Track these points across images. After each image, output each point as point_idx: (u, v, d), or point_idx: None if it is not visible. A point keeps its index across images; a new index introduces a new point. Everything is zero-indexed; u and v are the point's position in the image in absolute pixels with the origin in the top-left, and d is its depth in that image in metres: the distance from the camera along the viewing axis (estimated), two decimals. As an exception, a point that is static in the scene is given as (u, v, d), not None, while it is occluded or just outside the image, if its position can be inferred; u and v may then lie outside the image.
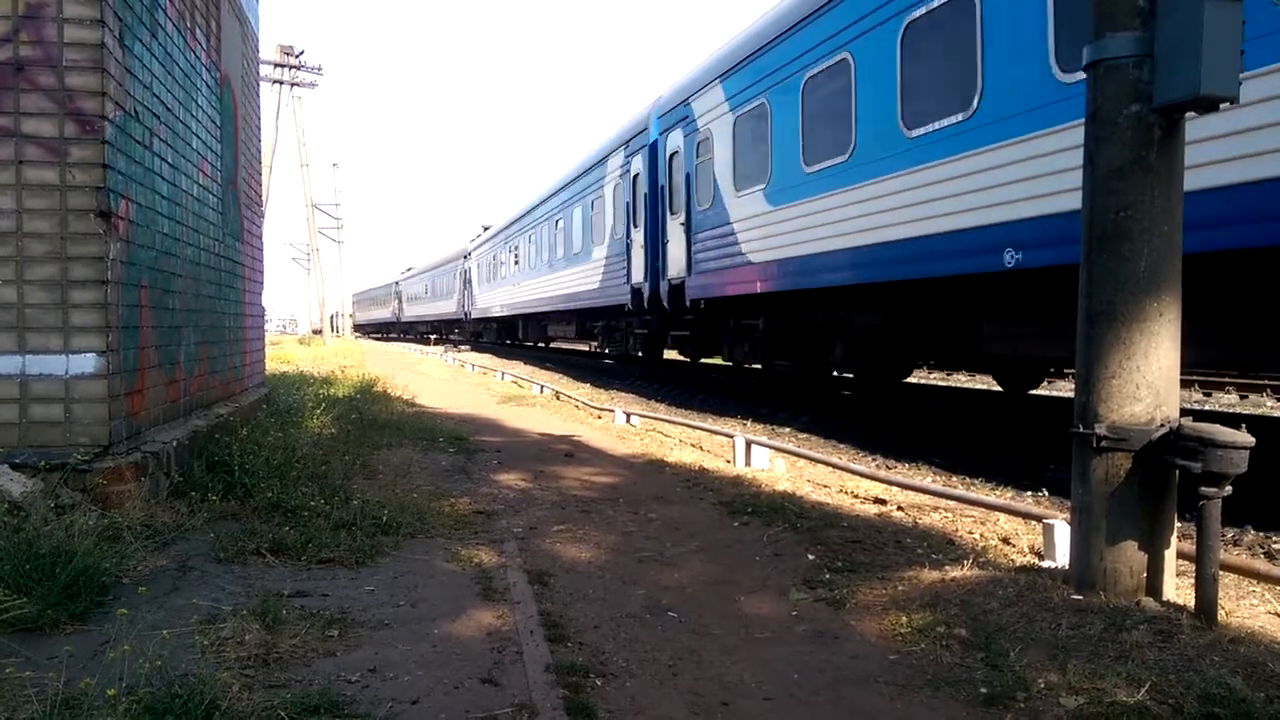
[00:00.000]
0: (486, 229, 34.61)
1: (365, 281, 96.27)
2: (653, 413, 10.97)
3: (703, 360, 17.34)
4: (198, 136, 6.35)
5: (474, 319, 36.72)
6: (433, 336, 49.69)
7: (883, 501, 5.78)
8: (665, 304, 13.87)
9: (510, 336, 34.00)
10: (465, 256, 37.73)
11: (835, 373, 11.34)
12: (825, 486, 6.39)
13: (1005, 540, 4.70)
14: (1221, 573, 3.29)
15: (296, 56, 36.46)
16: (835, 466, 6.70)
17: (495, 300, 30.10)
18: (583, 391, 14.72)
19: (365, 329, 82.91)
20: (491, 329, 36.07)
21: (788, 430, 9.80)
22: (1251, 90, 4.10)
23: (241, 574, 3.84)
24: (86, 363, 4.37)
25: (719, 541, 4.85)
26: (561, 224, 20.72)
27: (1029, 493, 6.10)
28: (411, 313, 55.77)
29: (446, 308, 42.44)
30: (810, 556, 4.42)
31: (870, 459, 7.78)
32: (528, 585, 3.91)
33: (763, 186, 10.17)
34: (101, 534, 3.74)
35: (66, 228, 4.35)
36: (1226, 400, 13.25)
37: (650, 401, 13.55)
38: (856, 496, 6.03)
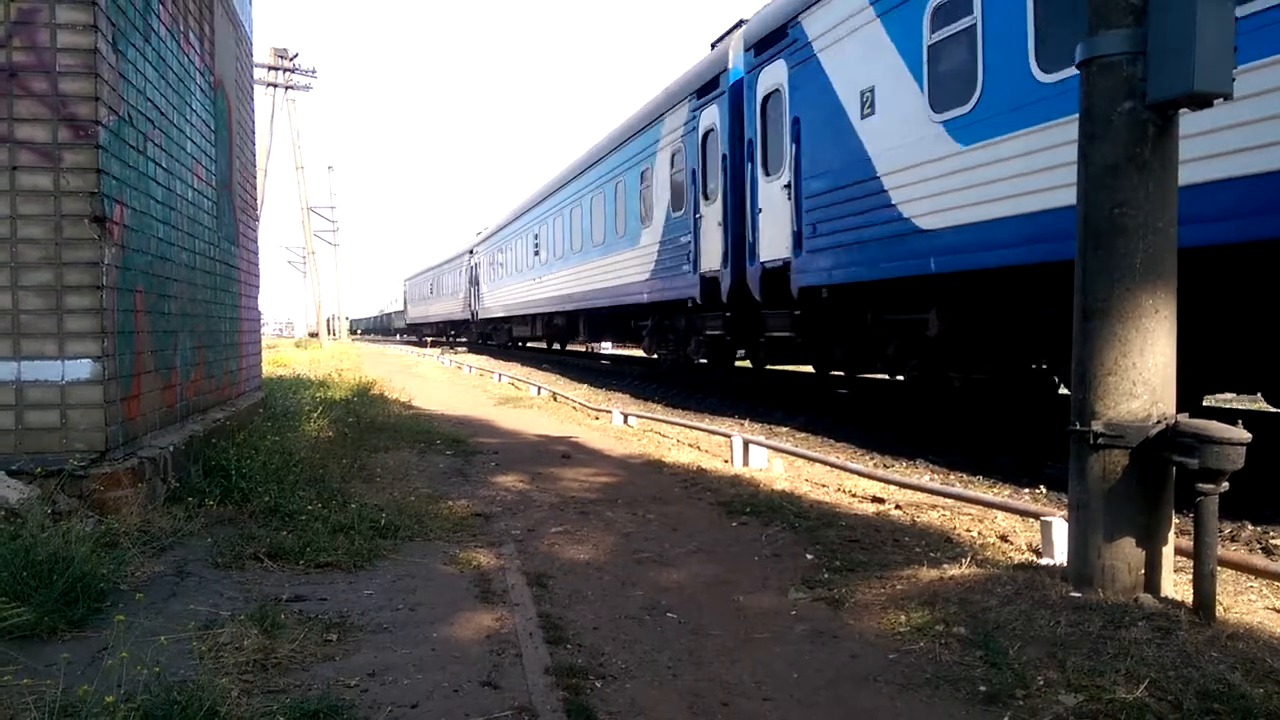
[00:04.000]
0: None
1: (416, 263, 62.18)
2: (650, 413, 10.96)
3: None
4: (192, 141, 6.34)
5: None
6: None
7: (881, 500, 5.78)
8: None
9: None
10: (659, 117, 13.78)
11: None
12: (823, 485, 6.40)
13: (1003, 538, 4.70)
14: (1219, 569, 3.30)
15: (291, 59, 36.37)
16: (833, 465, 6.70)
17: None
18: (579, 392, 14.71)
19: (421, 330, 55.25)
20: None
21: (785, 429, 9.81)
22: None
23: (239, 579, 3.83)
24: (82, 368, 4.36)
25: (717, 541, 4.85)
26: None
27: (1027, 490, 6.10)
28: (499, 300, 28.90)
29: (582, 282, 18.19)
30: (809, 556, 4.42)
31: (868, 458, 7.78)
32: (526, 587, 3.91)
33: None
34: (98, 540, 3.73)
35: (61, 233, 4.34)
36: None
37: (647, 402, 13.55)
38: (854, 495, 6.03)
